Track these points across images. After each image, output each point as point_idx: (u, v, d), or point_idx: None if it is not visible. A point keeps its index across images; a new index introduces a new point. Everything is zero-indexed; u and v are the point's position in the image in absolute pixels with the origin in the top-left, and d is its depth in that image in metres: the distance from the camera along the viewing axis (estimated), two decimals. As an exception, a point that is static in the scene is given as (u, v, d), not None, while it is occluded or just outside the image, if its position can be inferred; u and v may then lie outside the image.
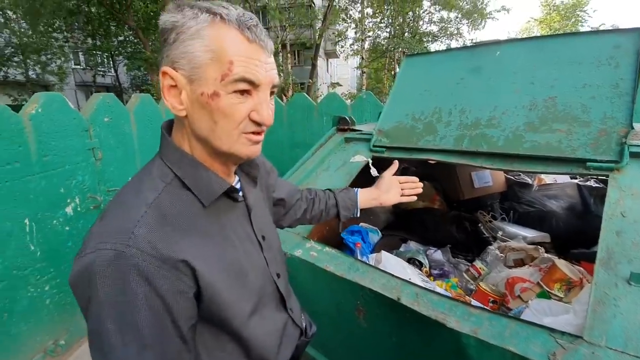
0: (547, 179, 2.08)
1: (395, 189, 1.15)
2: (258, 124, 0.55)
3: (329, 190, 1.10)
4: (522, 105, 1.40)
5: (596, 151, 1.15)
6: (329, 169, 1.82)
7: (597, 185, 1.89)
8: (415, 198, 1.19)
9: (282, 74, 14.05)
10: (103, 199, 2.36)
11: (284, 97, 12.92)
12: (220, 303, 0.55)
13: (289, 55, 15.08)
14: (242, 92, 0.53)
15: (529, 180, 2.04)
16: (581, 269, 1.27)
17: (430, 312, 0.97)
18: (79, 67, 18.22)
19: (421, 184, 1.21)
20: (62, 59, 13.69)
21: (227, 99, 0.52)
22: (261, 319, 0.65)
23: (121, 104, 2.51)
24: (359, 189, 1.14)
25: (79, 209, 2.18)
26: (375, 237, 1.85)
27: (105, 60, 16.34)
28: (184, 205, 0.55)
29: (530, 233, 1.72)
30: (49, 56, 12.98)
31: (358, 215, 1.12)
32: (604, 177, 1.12)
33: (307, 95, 4.00)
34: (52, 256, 2.02)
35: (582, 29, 19.49)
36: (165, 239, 0.50)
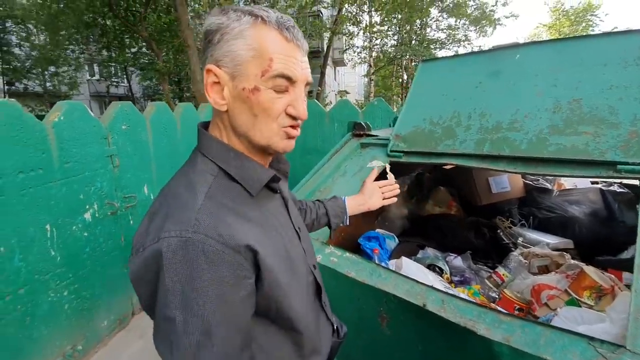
0: (567, 184, 2.03)
1: (377, 194, 1.21)
2: (294, 118, 0.58)
3: (318, 200, 1.12)
4: (545, 108, 1.38)
5: (627, 153, 1.11)
6: (345, 175, 1.81)
7: (621, 190, 1.84)
8: (395, 199, 1.26)
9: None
10: (120, 205, 2.38)
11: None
12: (278, 287, 0.56)
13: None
14: (280, 88, 0.56)
15: (549, 186, 2.00)
16: (612, 276, 1.22)
17: (459, 319, 0.95)
18: (93, 78, 18.70)
19: (397, 186, 1.27)
20: (77, 70, 14.10)
21: (266, 94, 0.55)
22: (309, 309, 0.66)
23: (138, 112, 2.55)
24: (347, 197, 1.17)
25: (96, 215, 2.21)
26: (392, 243, 1.83)
27: (119, 71, 16.73)
28: (234, 196, 0.57)
29: (552, 239, 1.67)
30: (65, 68, 13.38)
31: (347, 223, 1.16)
32: (637, 180, 1.09)
33: (318, 102, 4.02)
34: (70, 262, 2.04)
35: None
36: (226, 226, 0.51)
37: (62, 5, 9.26)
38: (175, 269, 0.47)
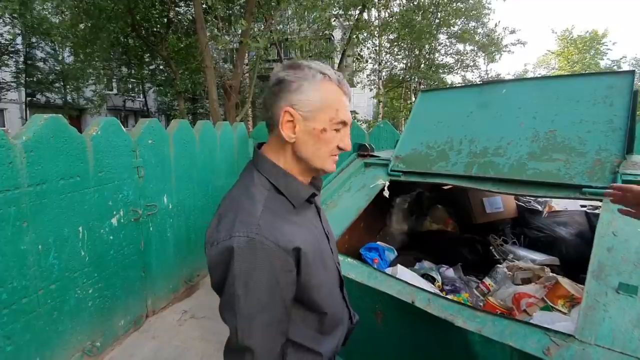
0: (557, 206, 2.19)
1: None
2: (340, 149, 0.78)
3: None
4: (525, 137, 1.57)
5: (591, 178, 1.29)
6: (350, 190, 2.00)
7: (604, 212, 1.99)
8: None
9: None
10: (142, 212, 2.60)
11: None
12: (313, 277, 0.74)
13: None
14: (338, 128, 0.77)
15: (539, 207, 2.16)
16: (584, 286, 1.37)
17: (441, 313, 1.11)
18: (111, 92, 19.48)
19: None
20: (101, 85, 14.77)
21: (330, 134, 0.75)
22: (334, 296, 0.85)
23: (163, 128, 2.80)
24: None
25: (122, 221, 2.42)
26: (391, 255, 1.99)
27: (136, 86, 17.44)
28: (282, 206, 0.75)
29: (540, 257, 1.82)
30: (88, 83, 14.05)
31: None
32: (598, 201, 1.26)
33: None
34: (97, 262, 2.24)
35: (601, 62, 19.58)
36: (279, 230, 0.70)
37: (90, 25, 9.87)
38: (242, 260, 0.66)
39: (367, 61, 14.03)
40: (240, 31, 7.44)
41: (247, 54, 9.63)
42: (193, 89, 12.55)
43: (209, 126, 3.50)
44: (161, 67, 13.64)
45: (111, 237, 2.34)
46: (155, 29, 10.79)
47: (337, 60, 11.75)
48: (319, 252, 0.78)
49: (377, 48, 14.74)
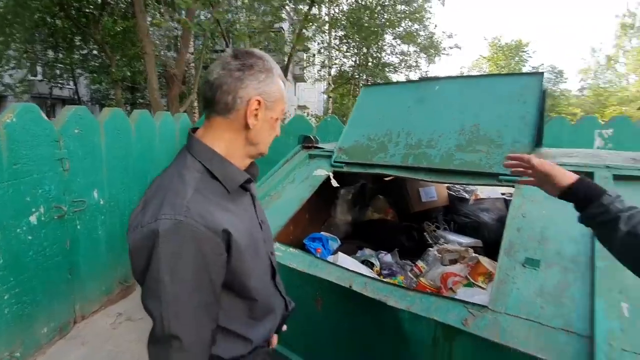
0: (482, 194, 2.41)
1: None
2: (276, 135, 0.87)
3: None
4: (454, 130, 1.70)
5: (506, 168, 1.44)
6: (294, 182, 2.01)
7: (520, 200, 2.24)
8: None
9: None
10: (68, 209, 2.36)
11: (252, 118, 13.03)
12: (243, 263, 0.74)
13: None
14: (282, 118, 0.85)
15: (467, 196, 2.36)
16: (500, 264, 1.53)
17: (376, 295, 1.17)
18: (35, 78, 17.31)
19: None
20: (23, 70, 13.02)
21: (278, 122, 0.84)
22: (266, 284, 0.85)
23: (92, 116, 2.56)
24: None
25: (42, 219, 2.18)
26: (334, 244, 2.05)
27: (65, 73, 15.66)
28: (215, 190, 0.75)
29: (466, 240, 2.00)
30: (7, 67, 12.30)
31: None
32: (512, 187, 1.41)
33: (275, 116, 4.21)
34: (13, 265, 1.99)
35: (524, 68, 21.88)
36: (209, 212, 0.68)
37: (10, 2, 8.64)
38: (168, 243, 0.63)
39: (314, 55, 14.13)
40: (183, 13, 7.03)
41: (192, 42, 9.14)
42: (132, 77, 11.64)
43: (147, 115, 3.27)
44: (95, 52, 12.43)
45: (30, 237, 2.10)
46: (87, 10, 9.78)
47: (287, 54, 11.65)
48: (251, 239, 0.78)
49: (327, 44, 14.91)
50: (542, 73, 1.74)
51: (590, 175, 1.28)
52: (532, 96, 1.63)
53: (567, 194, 0.77)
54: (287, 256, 1.48)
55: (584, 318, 0.91)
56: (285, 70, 13.72)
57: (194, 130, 0.83)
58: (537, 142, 1.69)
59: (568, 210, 1.21)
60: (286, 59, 11.55)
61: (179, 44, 8.43)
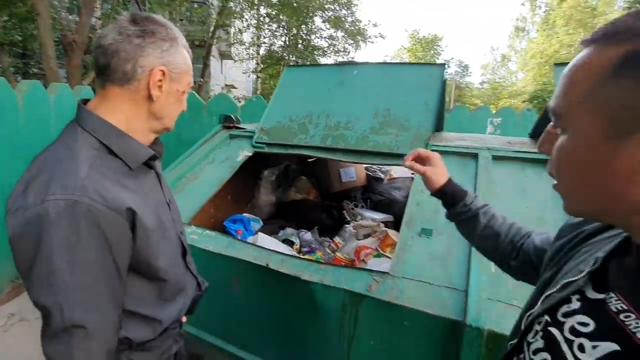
0: (395, 174, 2.62)
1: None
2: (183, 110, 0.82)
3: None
4: (369, 114, 1.80)
5: (412, 148, 1.57)
6: (213, 162, 1.94)
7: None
8: None
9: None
10: None
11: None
12: (150, 243, 0.70)
13: (178, 51, 14.14)
14: (188, 91, 0.80)
15: (382, 176, 2.54)
16: (406, 236, 1.71)
17: (291, 271, 1.22)
18: None
19: None
20: None
21: (184, 96, 0.79)
22: (176, 264, 0.81)
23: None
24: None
25: None
26: (257, 225, 2.05)
27: None
28: (115, 168, 0.68)
29: (379, 216, 2.17)
30: None
31: None
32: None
33: (195, 94, 3.97)
34: None
35: (437, 61, 24.01)
36: (110, 191, 0.63)
37: None
38: (61, 227, 0.57)
39: (241, 31, 13.51)
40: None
41: (99, 5, 7.97)
42: (23, 42, 9.77)
43: (38, 87, 2.81)
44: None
45: None
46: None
47: (212, 29, 10.93)
48: (157, 219, 0.74)
49: (256, 20, 14.33)
50: (443, 64, 1.93)
51: (475, 156, 1.48)
52: (434, 85, 1.80)
53: (439, 192, 0.84)
54: (203, 239, 1.44)
55: (462, 275, 1.08)
56: (209, 46, 12.87)
57: (85, 101, 0.74)
58: (438, 127, 1.89)
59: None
60: (210, 34, 10.83)
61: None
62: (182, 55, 0.75)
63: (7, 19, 8.37)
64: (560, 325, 0.40)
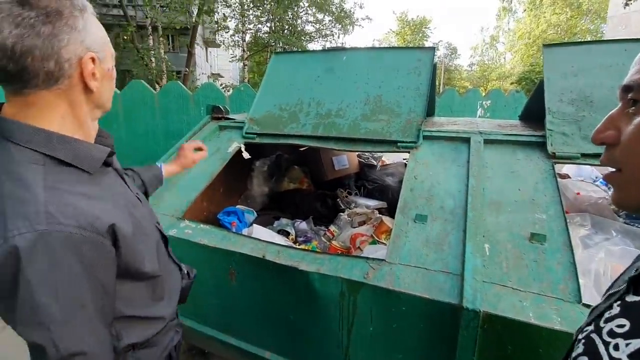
0: (388, 160, 2.63)
1: (190, 156, 1.30)
2: None
3: (131, 169, 1.09)
4: (360, 100, 1.78)
5: (404, 135, 1.59)
6: (203, 155, 1.91)
7: (419, 164, 2.51)
8: (206, 155, 1.37)
9: (153, 60, 12.76)
10: None
11: (157, 85, 11.80)
12: (134, 251, 0.66)
13: (161, 39, 13.77)
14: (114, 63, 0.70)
15: (375, 162, 2.54)
16: (400, 222, 1.72)
17: (288, 261, 1.22)
18: None
19: (205, 147, 1.37)
20: None
21: (113, 70, 0.69)
22: (160, 260, 0.78)
23: None
24: (163, 164, 1.24)
25: None
26: (251, 217, 2.04)
27: None
28: (72, 180, 0.60)
29: (373, 202, 2.18)
30: None
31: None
32: (407, 153, 1.56)
33: (181, 84, 3.88)
34: None
35: (426, 44, 23.91)
36: (78, 209, 0.56)
37: None
38: (35, 262, 0.51)
39: (225, 17, 13.17)
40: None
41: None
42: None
43: None
44: None
45: None
46: None
47: (194, 16, 10.62)
48: (134, 221, 0.68)
49: (240, 5, 13.97)
50: (433, 48, 1.91)
51: (467, 140, 1.49)
52: (425, 69, 1.79)
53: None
54: (198, 233, 1.42)
55: (457, 259, 1.09)
56: (193, 33, 12.54)
57: None
58: (429, 112, 1.89)
59: (448, 171, 1.41)
60: (193, 21, 10.53)
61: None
62: (97, 26, 0.63)
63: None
64: (600, 330, 0.41)
